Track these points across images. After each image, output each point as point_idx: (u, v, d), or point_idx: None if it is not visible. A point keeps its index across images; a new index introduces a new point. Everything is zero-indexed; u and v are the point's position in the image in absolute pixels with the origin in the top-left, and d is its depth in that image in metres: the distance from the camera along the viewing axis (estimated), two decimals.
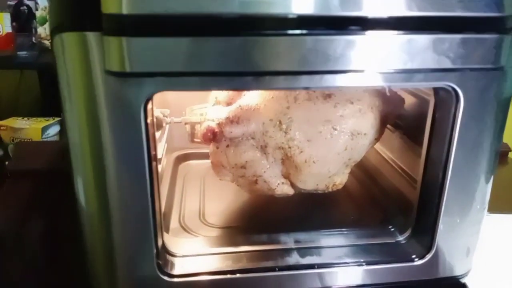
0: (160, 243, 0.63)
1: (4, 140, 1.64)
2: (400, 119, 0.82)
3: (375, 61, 0.50)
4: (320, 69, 0.49)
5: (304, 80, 0.50)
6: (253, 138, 0.73)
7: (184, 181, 0.97)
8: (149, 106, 0.54)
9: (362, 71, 0.50)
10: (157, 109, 0.82)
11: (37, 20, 1.94)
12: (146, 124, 0.53)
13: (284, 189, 0.76)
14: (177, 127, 0.89)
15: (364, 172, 0.97)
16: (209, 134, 0.74)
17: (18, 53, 1.94)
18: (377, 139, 0.79)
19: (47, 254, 0.75)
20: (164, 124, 0.81)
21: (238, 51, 0.47)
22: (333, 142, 0.72)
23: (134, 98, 0.49)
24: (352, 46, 0.48)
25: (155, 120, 0.62)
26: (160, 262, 0.61)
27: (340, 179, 0.77)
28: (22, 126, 1.62)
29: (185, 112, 0.86)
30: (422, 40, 0.49)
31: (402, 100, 0.80)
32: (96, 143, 0.53)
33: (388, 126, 0.87)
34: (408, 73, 0.51)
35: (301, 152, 0.71)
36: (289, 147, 0.71)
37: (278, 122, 0.71)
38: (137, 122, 0.52)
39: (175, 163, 1.04)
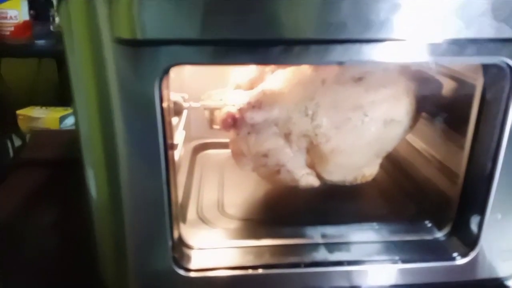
0: (176, 235, 0.59)
1: (22, 129, 1.62)
2: (438, 106, 0.75)
3: (423, 29, 0.44)
4: (358, 37, 0.42)
5: (338, 52, 0.44)
6: (276, 125, 0.67)
7: (202, 171, 0.92)
8: (165, 84, 0.49)
9: (406, 40, 0.44)
10: (175, 93, 0.77)
11: (54, 7, 1.92)
12: (161, 103, 0.48)
13: (309, 180, 0.70)
14: (195, 115, 0.84)
15: (394, 164, 0.90)
16: (229, 120, 0.69)
17: (36, 41, 1.92)
18: (411, 127, 0.73)
19: (56, 246, 0.71)
20: (182, 109, 0.76)
21: (262, 13, 0.41)
22: (363, 130, 0.65)
23: (147, 72, 0.44)
24: (398, 10, 0.41)
25: (172, 104, 0.57)
26: (176, 255, 0.57)
27: (370, 170, 0.71)
28: (39, 115, 1.60)
29: (203, 98, 0.80)
30: (481, 3, 0.42)
31: (440, 85, 0.73)
32: (107, 125, 0.49)
33: (423, 114, 0.80)
34: (460, 45, 0.45)
35: (328, 140, 0.65)
36: (315, 135, 0.65)
37: (304, 108, 0.65)
38: (151, 100, 0.47)
39: (193, 153, 0.99)
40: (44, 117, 1.59)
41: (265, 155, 0.68)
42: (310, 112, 0.65)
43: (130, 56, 0.44)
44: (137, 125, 0.49)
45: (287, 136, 0.66)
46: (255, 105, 0.67)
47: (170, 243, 0.55)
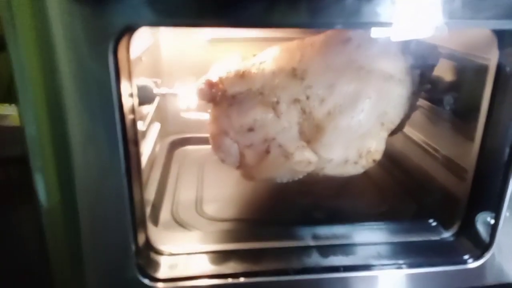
0: (142, 239, 0.50)
1: None
2: (444, 91, 0.67)
3: None
4: None
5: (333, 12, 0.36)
6: (261, 94, 0.57)
7: (179, 168, 0.83)
8: (123, 54, 0.41)
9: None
10: (146, 78, 0.69)
11: None
12: (118, 75, 0.40)
13: (305, 154, 0.57)
14: (173, 107, 0.75)
15: (392, 159, 0.82)
16: (207, 88, 0.59)
17: None
18: (415, 96, 0.63)
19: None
20: (154, 96, 0.68)
21: None
22: (362, 84, 0.55)
23: (100, 34, 0.36)
24: None
25: (135, 84, 0.48)
26: (141, 262, 0.48)
27: (376, 143, 0.59)
28: (7, 112, 1.49)
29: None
30: None
31: (437, 52, 0.64)
32: (54, 102, 0.40)
33: (427, 105, 0.72)
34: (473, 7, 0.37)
35: (323, 101, 0.54)
36: (307, 98, 0.55)
37: (291, 69, 0.56)
38: (105, 73, 0.38)
39: (170, 148, 0.90)
40: (13, 114, 1.48)
41: (251, 129, 0.57)
42: (299, 73, 0.55)
43: (78, 13, 0.35)
44: (90, 106, 0.40)
45: (275, 107, 0.56)
46: (237, 74, 0.58)
47: (133, 248, 0.46)
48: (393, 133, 0.72)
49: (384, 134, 0.58)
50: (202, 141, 0.86)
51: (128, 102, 0.44)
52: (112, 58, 0.39)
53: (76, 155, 0.43)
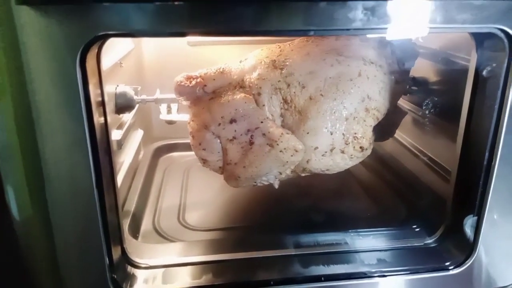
0: (117, 252, 0.48)
1: None
2: (427, 92, 0.67)
3: None
4: None
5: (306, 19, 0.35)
6: (242, 87, 0.56)
7: (164, 176, 0.82)
8: (92, 63, 0.40)
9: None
10: (125, 85, 0.67)
11: None
12: (86, 84, 0.39)
13: (290, 141, 0.54)
14: (157, 112, 0.74)
15: (381, 163, 0.82)
16: (185, 81, 0.57)
17: None
18: (397, 92, 0.61)
19: None
20: (134, 103, 0.66)
21: None
22: (342, 68, 0.55)
23: (65, 44, 0.35)
24: None
25: (105, 90, 0.46)
26: (117, 276, 0.47)
27: (362, 129, 0.57)
28: None
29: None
30: None
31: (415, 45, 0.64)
32: (23, 114, 0.39)
33: (412, 107, 0.72)
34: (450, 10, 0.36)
35: (304, 87, 0.54)
36: (288, 86, 0.54)
37: (270, 62, 0.56)
38: (73, 78, 0.37)
39: (154, 156, 0.89)
40: None
41: (233, 120, 0.55)
42: (278, 64, 0.55)
43: (40, 22, 0.34)
44: (59, 118, 0.40)
45: (257, 99, 0.55)
46: (217, 70, 0.57)
47: (107, 261, 0.45)
48: (384, 138, 0.71)
49: (370, 122, 0.57)
50: (188, 146, 0.85)
51: (98, 111, 0.43)
52: (79, 69, 0.38)
53: (47, 168, 0.41)
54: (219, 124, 0.55)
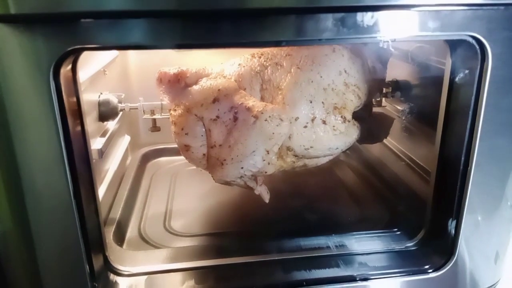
0: (99, 260, 0.49)
1: None
2: (408, 98, 0.67)
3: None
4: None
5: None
6: (223, 77, 0.58)
7: (151, 182, 0.82)
8: (67, 75, 0.40)
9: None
10: (109, 93, 0.68)
11: None
12: (61, 97, 0.39)
13: (274, 109, 0.54)
14: (144, 119, 0.74)
15: (368, 167, 0.82)
16: (168, 70, 0.59)
17: None
18: (375, 77, 0.64)
19: None
20: (117, 111, 0.67)
21: None
22: (317, 47, 0.58)
23: (37, 59, 0.35)
24: None
25: (85, 99, 0.46)
26: (98, 285, 0.47)
27: (342, 101, 0.57)
28: None
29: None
30: None
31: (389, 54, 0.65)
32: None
33: (395, 109, 0.73)
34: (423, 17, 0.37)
35: (281, 66, 0.58)
36: (266, 68, 0.58)
37: (249, 55, 0.60)
38: (47, 91, 0.38)
39: (141, 161, 0.89)
40: None
41: (216, 99, 0.55)
42: (256, 55, 0.60)
43: (15, 41, 0.34)
44: (35, 131, 0.40)
45: (239, 84, 0.57)
46: (197, 69, 0.59)
47: (87, 270, 0.45)
48: (373, 141, 0.72)
49: (351, 96, 0.58)
50: (175, 151, 0.85)
51: (75, 122, 0.43)
52: (53, 82, 0.38)
53: (26, 180, 0.42)
54: (202, 105, 0.55)
